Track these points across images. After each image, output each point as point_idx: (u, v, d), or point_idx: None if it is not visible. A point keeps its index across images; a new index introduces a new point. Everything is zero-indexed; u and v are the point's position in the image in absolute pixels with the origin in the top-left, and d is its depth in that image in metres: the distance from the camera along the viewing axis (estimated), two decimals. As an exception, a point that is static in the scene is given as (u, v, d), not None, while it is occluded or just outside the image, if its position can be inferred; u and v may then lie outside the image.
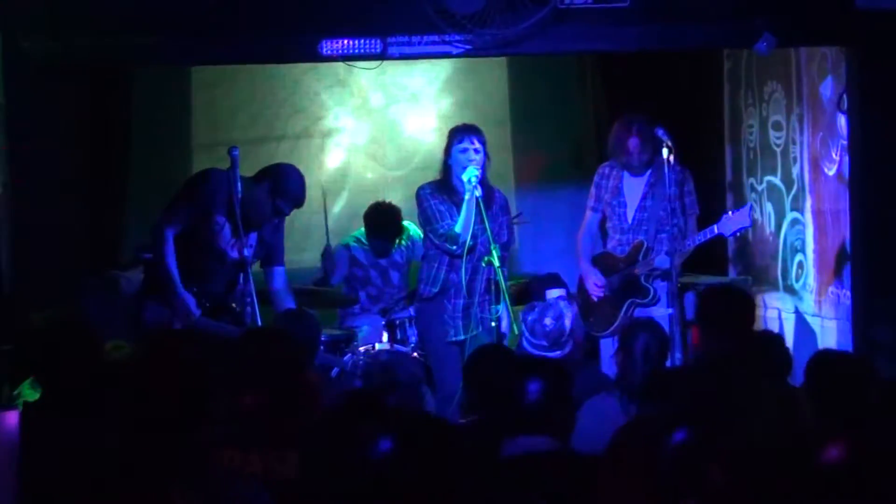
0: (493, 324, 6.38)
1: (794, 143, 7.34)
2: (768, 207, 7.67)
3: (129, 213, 8.16)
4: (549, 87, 8.93)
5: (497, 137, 8.02)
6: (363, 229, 7.86)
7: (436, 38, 6.25)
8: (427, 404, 6.34)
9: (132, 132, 8.27)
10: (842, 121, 6.68)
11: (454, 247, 6.33)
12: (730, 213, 6.49)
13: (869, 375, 4.29)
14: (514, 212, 7.27)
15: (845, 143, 6.64)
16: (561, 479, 3.57)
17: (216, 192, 5.91)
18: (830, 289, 6.97)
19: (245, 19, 6.19)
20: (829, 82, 6.87)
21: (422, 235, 6.82)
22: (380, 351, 6.86)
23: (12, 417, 3.81)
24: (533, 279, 7.96)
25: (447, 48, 6.32)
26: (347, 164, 9.00)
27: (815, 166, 7.08)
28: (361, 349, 6.89)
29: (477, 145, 6.39)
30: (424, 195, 6.49)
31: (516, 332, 6.33)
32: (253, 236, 6.05)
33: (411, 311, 7.09)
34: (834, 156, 6.85)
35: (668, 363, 5.28)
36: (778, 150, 7.53)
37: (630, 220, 6.69)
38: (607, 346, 6.63)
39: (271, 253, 6.19)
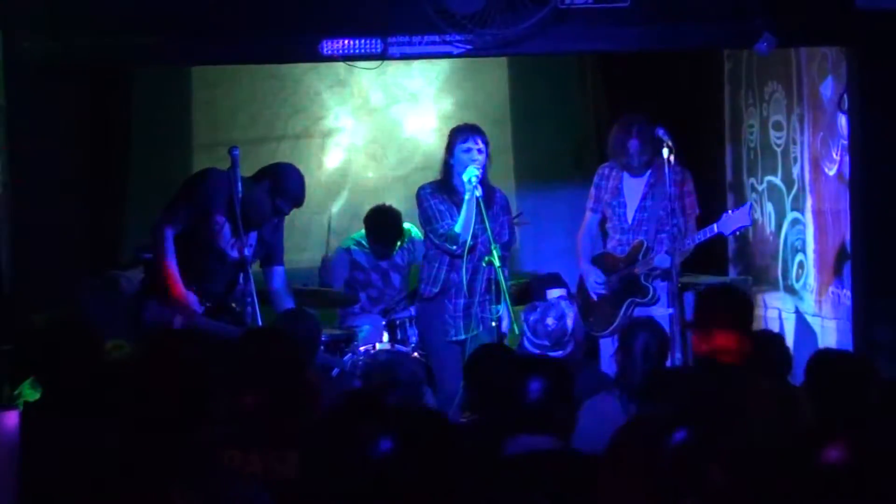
0: (494, 324, 6.39)
1: (794, 143, 7.34)
2: (769, 207, 7.67)
3: (129, 213, 8.14)
4: (549, 87, 8.92)
5: (497, 137, 8.00)
6: (363, 231, 7.86)
7: (436, 38, 6.26)
8: (427, 404, 6.33)
9: (132, 132, 8.26)
10: (842, 121, 6.68)
11: (454, 247, 6.34)
12: (730, 211, 6.49)
13: (869, 375, 4.30)
14: (514, 212, 7.26)
15: (846, 142, 6.64)
16: (562, 478, 3.56)
17: (216, 192, 5.91)
18: (831, 289, 6.97)
19: (245, 19, 6.19)
20: (829, 82, 6.87)
21: (422, 236, 6.82)
22: (380, 351, 6.85)
23: (12, 417, 3.80)
24: (533, 279, 7.95)
25: (447, 48, 6.33)
26: (347, 164, 9.00)
27: (816, 166, 7.08)
28: (361, 349, 6.89)
29: (480, 145, 6.40)
30: (425, 195, 6.49)
31: (517, 331, 6.33)
32: (253, 236, 6.05)
33: (412, 311, 7.08)
34: (834, 156, 6.85)
35: (668, 363, 5.28)
36: (778, 150, 7.52)
37: (630, 221, 6.69)
38: (607, 346, 6.63)
39: (271, 252, 6.19)
